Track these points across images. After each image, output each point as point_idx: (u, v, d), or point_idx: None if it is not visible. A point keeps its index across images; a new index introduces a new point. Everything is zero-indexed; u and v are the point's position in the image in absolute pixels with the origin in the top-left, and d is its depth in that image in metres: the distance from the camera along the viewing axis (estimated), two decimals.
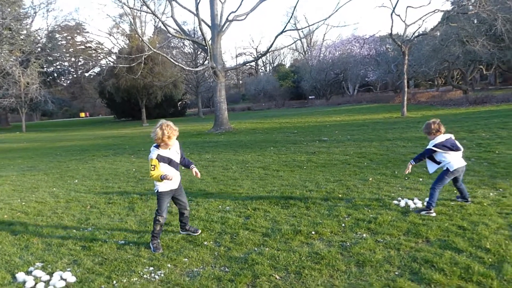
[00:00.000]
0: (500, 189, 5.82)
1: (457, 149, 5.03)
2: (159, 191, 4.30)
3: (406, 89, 21.71)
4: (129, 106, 42.49)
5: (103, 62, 50.62)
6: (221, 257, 3.97)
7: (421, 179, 6.67)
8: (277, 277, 3.49)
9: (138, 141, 18.40)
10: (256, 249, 4.13)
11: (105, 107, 57.71)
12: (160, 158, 4.17)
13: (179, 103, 50.60)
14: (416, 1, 22.63)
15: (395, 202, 5.43)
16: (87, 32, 62.10)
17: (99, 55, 56.87)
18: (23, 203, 6.75)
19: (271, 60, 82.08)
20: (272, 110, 44.17)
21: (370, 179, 7.01)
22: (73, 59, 65.17)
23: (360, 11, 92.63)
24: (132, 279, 3.57)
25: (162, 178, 4.10)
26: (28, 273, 3.76)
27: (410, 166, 5.23)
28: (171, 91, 40.06)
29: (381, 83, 49.09)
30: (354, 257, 3.78)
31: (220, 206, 5.83)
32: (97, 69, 58.25)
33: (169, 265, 3.84)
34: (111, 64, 35.83)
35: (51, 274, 3.70)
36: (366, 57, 44.91)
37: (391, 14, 20.00)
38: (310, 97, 54.53)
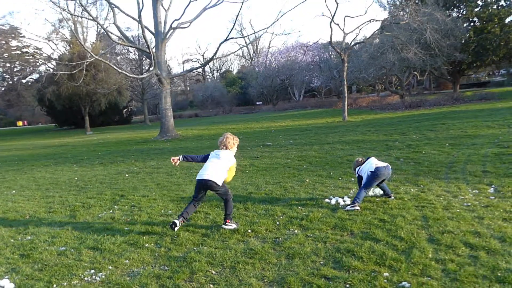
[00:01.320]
0: (421, 185, 6.44)
1: (368, 158, 5.87)
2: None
3: (346, 95, 22.75)
4: (72, 114, 41.12)
5: (42, 68, 48.43)
6: (161, 257, 4.16)
7: (353, 179, 7.19)
8: (213, 272, 3.75)
9: (82, 150, 17.95)
10: (195, 248, 4.36)
11: (45, 115, 55.23)
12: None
13: (124, 110, 49.60)
14: (353, 11, 23.80)
15: (327, 200, 5.87)
16: (23, 36, 59.06)
17: (37, 61, 54.30)
18: None
19: (218, 67, 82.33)
20: (220, 117, 44.39)
21: (307, 180, 7.45)
22: (8, 64, 61.78)
23: (304, 19, 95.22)
24: (72, 282, 3.68)
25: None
26: None
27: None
28: (116, 98, 39.24)
29: (325, 88, 50.79)
30: (285, 251, 4.11)
31: (162, 211, 6.00)
32: (35, 76, 55.64)
33: (110, 267, 3.99)
34: (51, 70, 34.48)
35: None
36: (310, 63, 46.38)
37: (330, 23, 20.96)
38: (257, 103, 55.31)
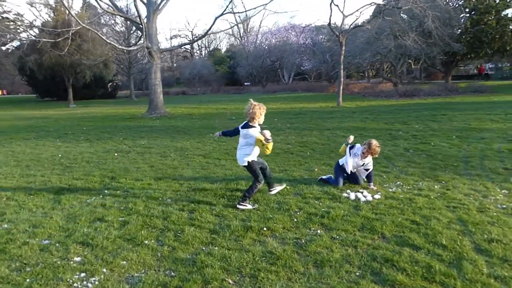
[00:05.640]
0: (443, 182, 5.90)
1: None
2: (250, 161, 4.95)
3: (342, 79, 22.14)
4: (54, 85, 39.52)
5: (23, 35, 46.38)
6: (165, 259, 3.52)
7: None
8: (230, 281, 3.13)
9: (65, 124, 16.99)
10: (204, 248, 3.73)
11: (25, 85, 53.19)
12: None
13: (110, 84, 48.11)
14: None
15: (345, 195, 5.29)
16: (4, 1, 56.54)
17: (18, 27, 52.05)
18: None
19: (206, 44, 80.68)
20: (208, 96, 43.39)
21: (316, 169, 6.86)
22: None
23: None
24: None
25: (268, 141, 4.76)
26: None
27: None
28: (101, 71, 37.92)
29: (316, 72, 50.11)
30: (311, 257, 3.52)
31: (160, 199, 5.33)
32: (16, 43, 53.43)
33: (104, 269, 3.33)
34: (33, 38, 32.87)
35: None
36: (302, 46, 45.52)
37: (330, 4, 20.18)
38: (246, 83, 54.33)
